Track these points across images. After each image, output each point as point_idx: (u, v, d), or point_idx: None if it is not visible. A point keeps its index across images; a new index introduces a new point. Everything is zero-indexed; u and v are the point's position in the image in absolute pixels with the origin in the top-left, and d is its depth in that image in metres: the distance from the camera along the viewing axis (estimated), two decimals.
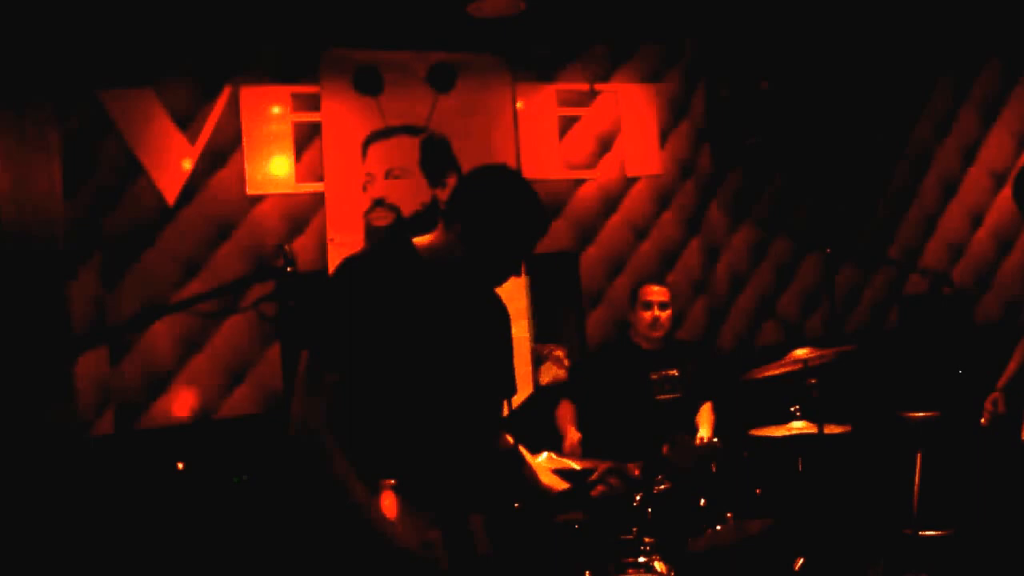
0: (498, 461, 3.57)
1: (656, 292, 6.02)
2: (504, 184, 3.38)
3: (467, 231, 3.26)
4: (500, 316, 3.60)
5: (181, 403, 5.55)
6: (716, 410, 6.00)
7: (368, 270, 3.27)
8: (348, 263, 3.29)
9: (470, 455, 3.37)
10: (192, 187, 5.66)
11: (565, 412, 5.87)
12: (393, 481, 3.16)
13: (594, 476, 3.69)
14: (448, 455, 3.29)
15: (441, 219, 3.37)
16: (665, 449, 3.90)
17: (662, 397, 5.96)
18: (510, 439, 3.68)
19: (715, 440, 5.12)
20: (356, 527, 3.12)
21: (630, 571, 4.36)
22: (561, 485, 3.68)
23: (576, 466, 4.76)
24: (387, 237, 5.68)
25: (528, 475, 3.69)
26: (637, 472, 3.94)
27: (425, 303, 3.28)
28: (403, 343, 3.21)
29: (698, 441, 5.64)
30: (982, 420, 4.83)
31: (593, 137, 6.76)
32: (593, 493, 3.71)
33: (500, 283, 3.43)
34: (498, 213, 3.27)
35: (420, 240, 3.36)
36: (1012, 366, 4.91)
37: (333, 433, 3.15)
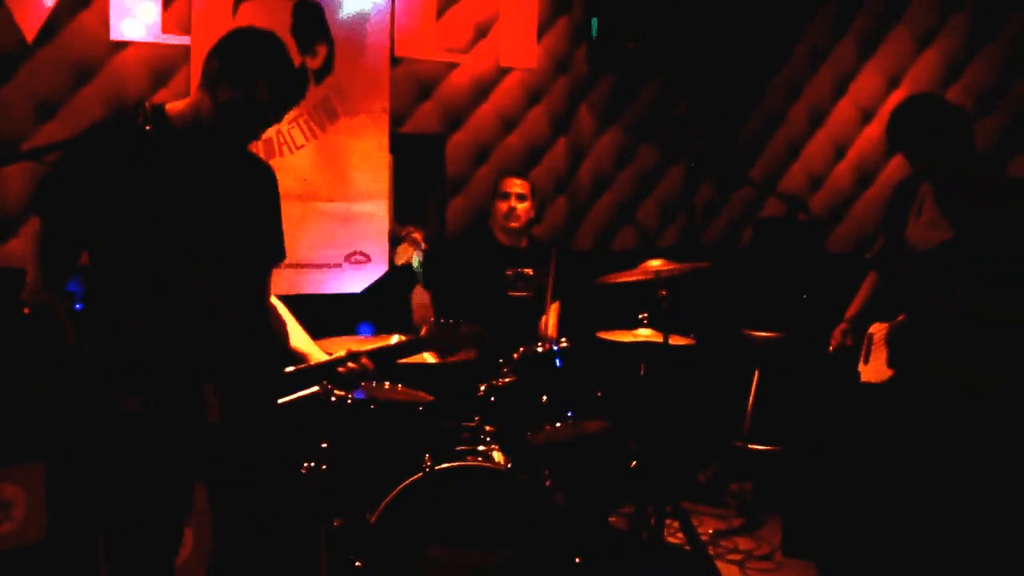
0: (250, 326, 3.66)
1: (515, 184, 6.31)
2: (254, 34, 3.49)
3: (219, 86, 3.38)
4: (262, 179, 3.74)
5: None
6: (562, 311, 6.18)
7: (104, 135, 3.40)
8: (88, 129, 3.43)
9: (215, 320, 3.48)
10: (53, 25, 5.66)
11: (418, 302, 5.99)
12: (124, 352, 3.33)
13: (344, 354, 3.85)
14: (189, 319, 3.42)
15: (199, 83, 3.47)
16: (424, 331, 4.05)
17: (513, 294, 6.13)
18: (276, 304, 3.87)
19: (561, 340, 5.29)
20: (80, 388, 3.31)
21: (468, 458, 4.58)
22: (316, 356, 3.87)
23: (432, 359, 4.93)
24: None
25: (282, 341, 3.87)
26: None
27: (165, 167, 3.38)
28: (138, 207, 3.33)
29: (542, 329, 5.87)
30: (830, 348, 5.08)
31: (471, 22, 6.98)
32: (341, 370, 3.85)
33: (249, 139, 3.59)
34: (244, 59, 3.40)
35: (173, 105, 3.49)
36: (858, 300, 5.16)
37: (60, 297, 3.38)
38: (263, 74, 3.38)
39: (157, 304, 3.35)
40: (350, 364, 3.84)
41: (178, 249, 3.37)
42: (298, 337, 3.88)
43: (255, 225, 3.65)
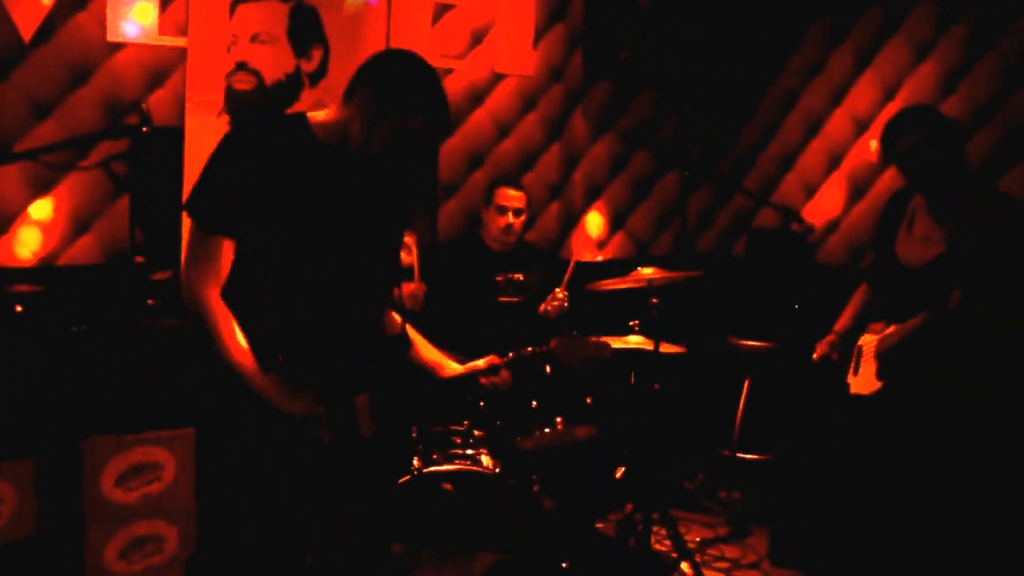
0: (387, 339, 3.78)
1: (513, 197, 6.30)
2: (410, 63, 3.51)
3: (366, 106, 3.42)
4: (402, 193, 3.78)
5: (23, 245, 5.59)
6: None
7: (259, 139, 3.43)
8: (238, 131, 3.48)
9: (360, 332, 3.59)
10: (50, 26, 5.71)
11: (407, 288, 5.98)
12: (282, 358, 3.34)
13: (484, 365, 3.96)
14: (338, 331, 3.51)
15: (342, 99, 3.52)
16: (553, 343, 4.08)
17: (504, 299, 6.18)
18: (398, 318, 3.89)
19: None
20: (241, 387, 3.33)
21: (457, 462, 4.64)
22: (452, 369, 3.97)
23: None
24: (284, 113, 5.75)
25: (417, 355, 3.95)
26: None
27: (316, 178, 3.44)
28: (291, 216, 3.39)
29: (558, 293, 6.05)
30: (813, 356, 5.15)
31: (467, 28, 7.06)
32: (483, 380, 3.91)
33: (397, 162, 3.56)
34: (401, 90, 3.42)
35: (315, 116, 3.54)
36: (849, 312, 5.23)
37: (219, 294, 3.35)
38: (420, 110, 3.42)
39: (307, 315, 3.43)
40: (492, 377, 3.91)
41: (329, 260, 3.45)
42: (428, 349, 3.96)
43: (391, 237, 3.74)
